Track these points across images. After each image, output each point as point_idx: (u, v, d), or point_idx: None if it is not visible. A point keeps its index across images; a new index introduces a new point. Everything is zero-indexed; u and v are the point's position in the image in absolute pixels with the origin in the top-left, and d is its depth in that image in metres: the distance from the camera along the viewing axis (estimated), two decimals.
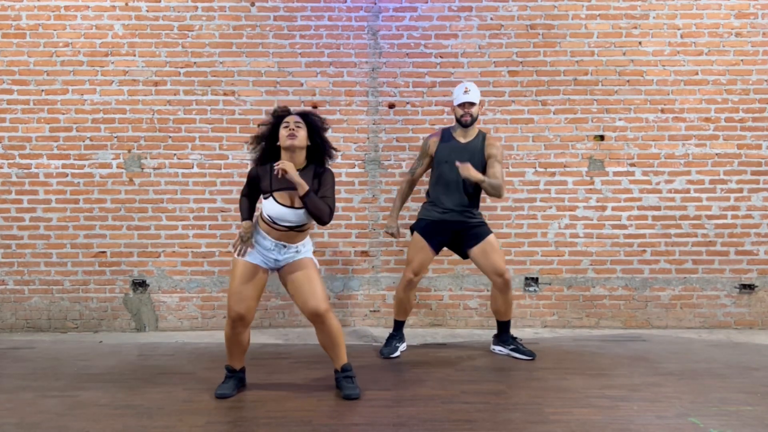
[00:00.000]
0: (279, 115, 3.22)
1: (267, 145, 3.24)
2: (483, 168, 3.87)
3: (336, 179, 4.65)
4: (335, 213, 4.62)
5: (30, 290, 4.67)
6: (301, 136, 3.13)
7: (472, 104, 3.84)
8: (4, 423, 2.89)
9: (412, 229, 4.02)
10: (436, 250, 3.97)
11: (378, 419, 2.91)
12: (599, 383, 3.43)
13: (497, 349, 4.05)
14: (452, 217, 3.89)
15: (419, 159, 4.07)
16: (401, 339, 4.10)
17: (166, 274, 4.67)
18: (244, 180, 3.65)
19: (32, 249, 4.63)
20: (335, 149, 3.34)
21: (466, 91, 3.83)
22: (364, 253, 4.72)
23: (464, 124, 3.87)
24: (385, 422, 2.88)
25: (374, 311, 4.75)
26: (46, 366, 3.79)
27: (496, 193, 3.80)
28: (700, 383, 3.43)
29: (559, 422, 2.87)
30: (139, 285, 4.67)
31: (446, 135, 3.97)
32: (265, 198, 3.17)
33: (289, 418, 2.93)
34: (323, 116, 3.44)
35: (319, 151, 3.23)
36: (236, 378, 3.33)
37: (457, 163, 3.74)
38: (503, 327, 4.02)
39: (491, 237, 3.90)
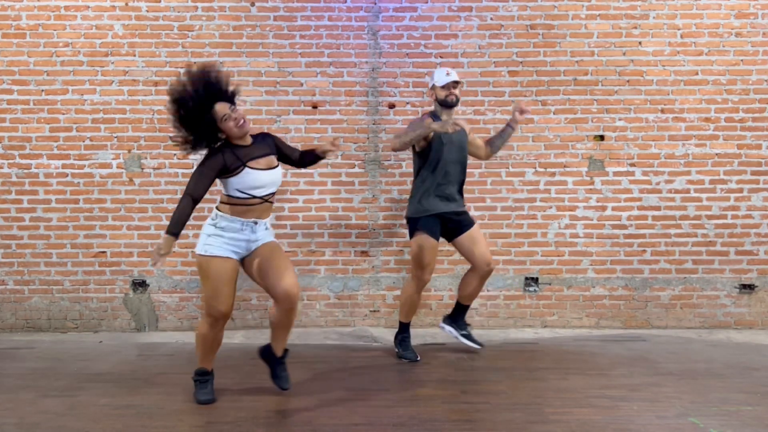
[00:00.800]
0: (205, 109, 2.98)
1: (205, 134, 3.03)
2: (465, 148, 3.88)
3: (336, 179, 4.67)
4: (336, 213, 4.67)
5: (30, 290, 4.66)
6: (242, 116, 3.03)
7: (456, 83, 3.79)
8: (4, 423, 2.89)
9: (416, 229, 3.83)
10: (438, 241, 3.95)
11: (378, 419, 2.92)
12: (599, 383, 3.43)
13: (447, 329, 4.05)
14: (451, 207, 3.83)
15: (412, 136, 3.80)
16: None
17: (166, 274, 4.67)
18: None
19: (32, 249, 4.63)
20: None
21: (447, 74, 3.78)
22: (364, 253, 4.72)
23: (450, 103, 3.78)
24: (385, 422, 2.88)
25: (374, 311, 4.75)
26: (46, 366, 3.80)
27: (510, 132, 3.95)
28: (700, 383, 3.43)
29: (559, 422, 2.87)
30: (139, 285, 4.67)
31: (434, 117, 3.83)
32: (235, 174, 3.00)
33: (289, 418, 2.93)
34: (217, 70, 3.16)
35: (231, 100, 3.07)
36: (212, 380, 3.23)
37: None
38: (461, 309, 4.03)
39: (476, 226, 3.93)
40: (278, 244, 3.25)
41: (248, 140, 3.11)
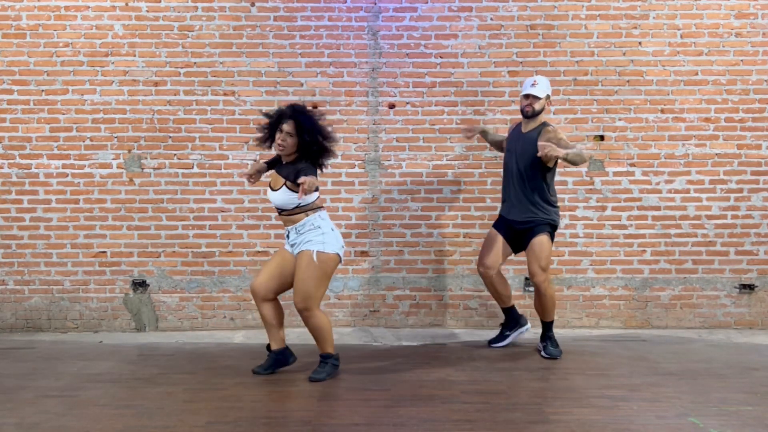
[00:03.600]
0: (279, 116, 3.45)
1: (270, 138, 3.49)
2: (533, 153, 3.85)
3: (336, 179, 4.67)
4: (336, 213, 4.67)
5: (30, 290, 4.66)
6: (289, 145, 3.39)
7: (535, 98, 3.90)
8: (4, 423, 2.89)
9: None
10: (512, 245, 4.07)
11: (378, 419, 2.92)
12: (599, 383, 3.43)
13: (539, 344, 4.12)
14: (514, 214, 3.98)
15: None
16: (513, 326, 4.20)
17: (166, 274, 4.67)
18: (245, 180, 3.81)
19: (32, 249, 4.63)
20: (329, 147, 3.49)
21: (534, 84, 3.92)
22: (364, 253, 4.72)
23: (525, 114, 3.97)
24: (385, 422, 2.88)
25: (374, 311, 4.75)
26: (46, 366, 3.79)
27: (581, 159, 3.82)
28: (700, 383, 3.43)
29: (559, 422, 2.87)
30: (139, 285, 4.67)
31: (516, 126, 4.12)
32: None
33: (289, 418, 2.93)
34: (320, 113, 3.62)
35: (309, 151, 3.43)
36: (271, 358, 3.60)
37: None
38: (542, 326, 4.10)
39: (537, 238, 3.90)
40: (308, 253, 3.38)
41: (292, 157, 3.47)
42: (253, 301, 4.66)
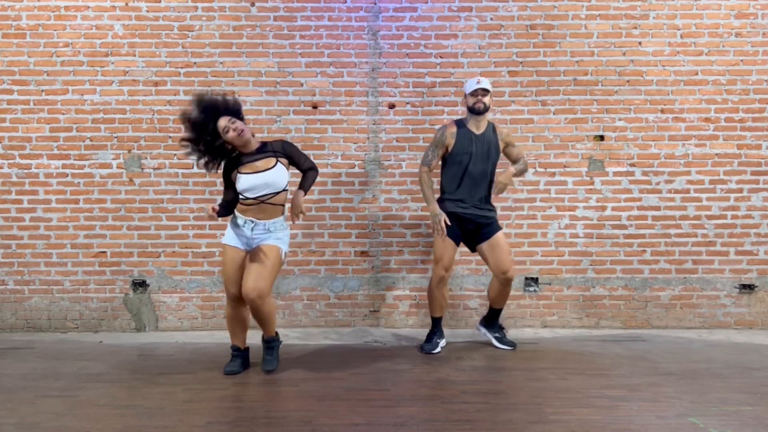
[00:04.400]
0: (203, 126, 3.39)
1: (212, 148, 3.44)
2: (497, 156, 4.02)
3: (336, 179, 4.67)
4: (336, 213, 4.67)
5: (30, 290, 4.67)
6: (240, 126, 3.41)
7: (485, 91, 3.91)
8: (4, 423, 2.89)
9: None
10: (457, 243, 4.04)
11: (378, 419, 2.92)
12: (599, 383, 3.43)
13: (482, 330, 4.24)
14: (473, 213, 3.98)
15: (434, 149, 4.02)
16: (441, 335, 4.17)
17: (166, 274, 4.67)
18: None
19: (32, 249, 4.63)
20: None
21: (478, 81, 3.92)
22: (364, 253, 4.72)
23: (477, 111, 3.93)
24: (385, 422, 2.88)
25: (374, 311, 4.75)
26: (46, 366, 3.80)
27: (526, 167, 4.12)
28: (700, 383, 3.43)
29: (559, 422, 2.87)
30: (139, 285, 4.67)
31: (461, 126, 4.02)
32: (237, 181, 3.45)
33: (289, 418, 2.93)
34: (235, 98, 3.72)
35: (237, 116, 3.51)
36: (242, 357, 3.68)
37: (498, 179, 3.96)
38: (494, 313, 4.19)
39: (500, 233, 4.02)
40: (274, 247, 3.49)
41: (252, 147, 3.51)
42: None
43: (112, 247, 4.65)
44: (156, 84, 4.60)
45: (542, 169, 4.68)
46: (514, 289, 4.69)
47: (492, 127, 4.04)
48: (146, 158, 4.63)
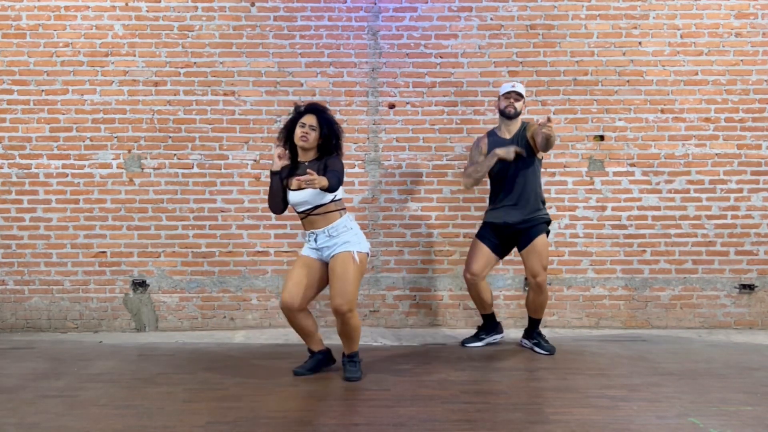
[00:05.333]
0: (299, 112, 3.47)
1: (288, 137, 3.49)
2: (530, 151, 3.94)
3: None
4: None
5: (30, 290, 4.66)
6: (312, 138, 3.41)
7: (518, 95, 3.91)
8: (4, 423, 2.89)
9: (478, 236, 4.13)
10: (494, 251, 4.06)
11: (378, 419, 2.91)
12: (599, 383, 3.43)
13: (523, 342, 4.20)
14: (511, 217, 3.96)
15: (470, 164, 4.08)
16: (488, 332, 4.23)
17: (166, 274, 4.67)
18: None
19: (32, 249, 4.63)
20: (342, 143, 3.54)
21: (513, 86, 3.93)
22: None
23: (508, 114, 3.93)
24: (385, 422, 2.88)
25: (374, 311, 4.75)
26: (46, 366, 3.79)
27: (554, 141, 3.78)
28: (700, 383, 3.43)
29: (559, 422, 2.87)
30: (139, 285, 4.67)
31: (492, 134, 4.07)
32: (287, 194, 3.48)
33: (289, 418, 2.93)
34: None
35: (328, 146, 3.47)
36: (314, 359, 3.61)
37: (497, 151, 3.87)
38: (531, 323, 4.13)
39: (539, 238, 3.96)
40: (348, 255, 3.38)
41: (312, 154, 3.48)
42: (253, 301, 4.69)
43: (112, 247, 4.65)
44: (156, 84, 4.60)
45: (542, 169, 4.67)
46: (515, 289, 4.70)
47: (523, 127, 3.98)
48: (146, 158, 4.63)
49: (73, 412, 3.03)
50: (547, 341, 4.10)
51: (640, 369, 3.68)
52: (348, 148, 4.66)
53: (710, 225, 4.69)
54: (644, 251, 4.71)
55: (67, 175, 4.62)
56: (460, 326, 4.73)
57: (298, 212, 3.49)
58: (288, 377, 3.55)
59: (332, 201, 3.41)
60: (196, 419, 2.93)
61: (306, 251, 3.52)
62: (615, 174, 4.69)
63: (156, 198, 4.65)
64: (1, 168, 4.61)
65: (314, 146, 3.44)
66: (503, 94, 3.94)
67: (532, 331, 4.13)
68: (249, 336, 4.51)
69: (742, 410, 3.02)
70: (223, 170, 4.65)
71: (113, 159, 4.63)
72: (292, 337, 4.48)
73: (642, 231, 4.70)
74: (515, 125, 3.98)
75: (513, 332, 4.56)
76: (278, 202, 3.51)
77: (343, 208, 3.48)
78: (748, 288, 4.71)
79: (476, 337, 4.24)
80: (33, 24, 4.56)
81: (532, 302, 4.06)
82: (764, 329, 4.70)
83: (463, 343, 4.23)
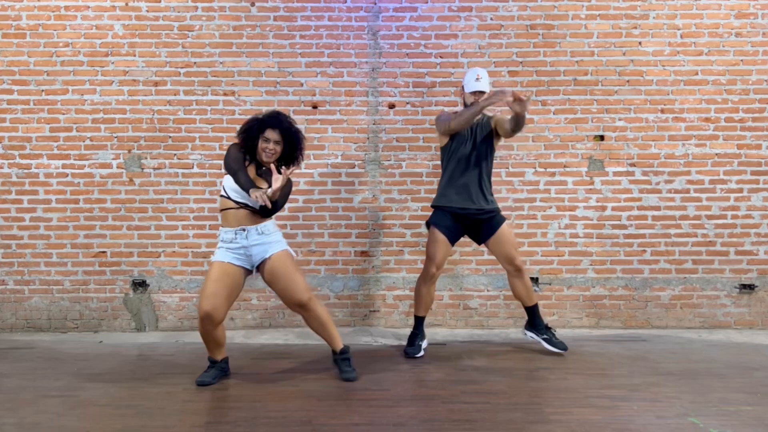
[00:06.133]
0: (262, 123, 3.37)
1: (249, 144, 3.40)
2: (491, 141, 3.89)
3: (336, 179, 4.67)
4: (336, 213, 4.67)
5: (30, 290, 4.67)
6: (278, 153, 3.39)
7: (481, 93, 3.83)
8: (4, 423, 2.89)
9: (428, 223, 3.98)
10: (453, 242, 3.96)
11: (378, 419, 2.92)
12: (599, 383, 3.43)
13: (529, 335, 4.07)
14: (475, 204, 3.85)
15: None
16: (422, 336, 4.07)
17: (166, 274, 4.67)
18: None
19: (32, 249, 4.63)
20: (303, 155, 3.54)
21: (477, 78, 3.83)
22: (364, 253, 4.72)
23: None
24: (385, 422, 2.88)
25: (374, 311, 4.75)
26: (46, 366, 3.79)
27: (523, 122, 3.63)
28: (700, 383, 3.43)
29: (559, 422, 2.87)
30: (139, 285, 4.67)
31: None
32: (227, 179, 3.38)
33: (289, 418, 2.93)
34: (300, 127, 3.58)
35: (290, 156, 3.46)
36: (217, 368, 3.51)
37: (505, 97, 3.51)
38: (530, 312, 4.03)
39: (502, 227, 3.90)
40: (284, 252, 3.40)
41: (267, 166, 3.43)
42: (253, 301, 4.69)
43: (112, 247, 4.65)
44: (156, 84, 4.60)
45: (542, 169, 4.68)
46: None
47: (488, 116, 3.93)
48: (146, 158, 4.63)
49: (73, 412, 3.03)
50: (557, 337, 4.03)
51: (640, 369, 3.69)
52: (348, 148, 4.67)
53: (710, 225, 4.69)
54: (644, 251, 4.71)
55: (67, 175, 4.62)
56: (460, 326, 4.73)
57: (234, 201, 3.32)
58: (288, 377, 3.55)
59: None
60: (196, 419, 2.93)
61: (224, 256, 3.34)
62: (615, 174, 4.69)
63: (156, 198, 4.65)
64: (1, 168, 4.61)
65: (275, 159, 3.42)
66: (470, 92, 3.83)
67: (536, 320, 4.01)
68: (249, 336, 4.51)
69: (742, 410, 3.02)
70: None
71: (113, 159, 4.63)
72: (291, 337, 4.49)
73: (642, 231, 4.70)
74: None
75: (513, 332, 4.56)
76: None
77: None
78: (748, 288, 4.71)
79: (417, 347, 3.99)
80: (33, 24, 4.56)
81: (520, 289, 3.97)
82: (764, 329, 4.70)
83: (407, 353, 3.98)
